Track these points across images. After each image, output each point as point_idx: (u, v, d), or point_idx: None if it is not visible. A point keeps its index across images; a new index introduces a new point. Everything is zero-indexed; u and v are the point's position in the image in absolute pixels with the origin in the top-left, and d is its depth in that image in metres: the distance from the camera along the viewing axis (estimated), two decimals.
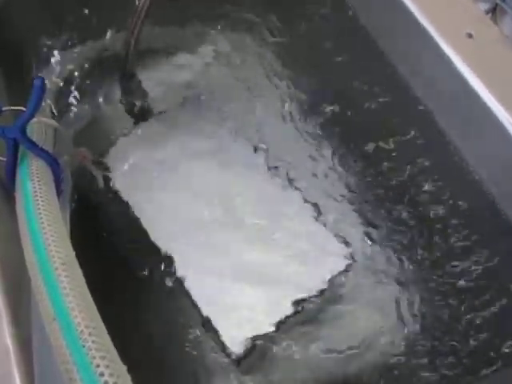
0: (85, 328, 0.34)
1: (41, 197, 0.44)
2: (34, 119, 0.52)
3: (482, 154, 0.57)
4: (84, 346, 0.33)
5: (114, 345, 0.35)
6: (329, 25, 0.69)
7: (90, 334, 0.33)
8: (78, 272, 0.39)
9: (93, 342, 0.33)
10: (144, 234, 0.64)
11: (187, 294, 0.61)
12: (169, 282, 0.62)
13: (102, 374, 0.31)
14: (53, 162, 0.50)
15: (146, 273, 0.63)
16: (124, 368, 0.33)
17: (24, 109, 0.47)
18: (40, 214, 0.42)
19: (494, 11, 0.84)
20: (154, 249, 0.64)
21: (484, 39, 0.52)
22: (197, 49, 0.78)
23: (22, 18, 0.70)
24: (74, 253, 0.41)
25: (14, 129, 0.47)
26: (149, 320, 0.60)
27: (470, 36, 0.52)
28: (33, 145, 0.48)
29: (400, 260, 0.64)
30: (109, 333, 0.36)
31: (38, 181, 0.46)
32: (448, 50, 0.52)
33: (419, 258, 0.62)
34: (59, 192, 0.52)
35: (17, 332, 0.42)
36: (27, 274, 0.40)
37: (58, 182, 0.51)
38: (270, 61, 0.76)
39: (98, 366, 0.32)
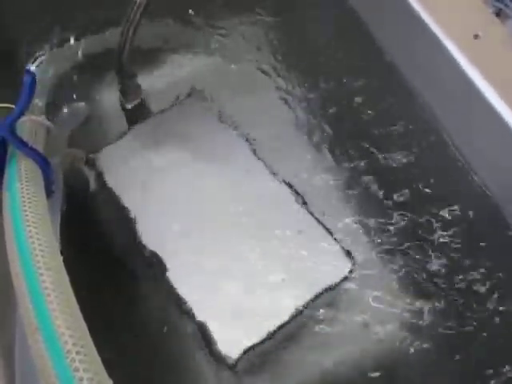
0: (69, 338, 0.32)
1: (28, 198, 0.42)
2: (25, 117, 0.50)
3: (486, 156, 0.56)
4: (67, 358, 0.31)
5: (101, 354, 0.33)
6: (328, 22, 0.68)
7: (74, 345, 0.32)
8: (65, 278, 0.37)
9: (77, 353, 0.31)
10: (137, 236, 0.63)
11: (181, 298, 0.60)
12: (161, 286, 0.61)
13: None
14: (43, 162, 0.48)
15: (138, 277, 0.62)
16: (110, 382, 0.31)
17: (13, 106, 0.46)
18: (27, 216, 0.41)
19: (499, 15, 0.84)
20: (147, 251, 0.62)
21: (491, 40, 0.51)
22: (196, 46, 0.77)
23: (15, 12, 0.69)
24: (62, 258, 0.40)
25: (2, 127, 0.46)
26: (140, 326, 0.59)
27: (476, 37, 0.51)
28: (22, 144, 0.47)
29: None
30: (95, 342, 0.34)
31: (27, 182, 0.44)
32: (454, 51, 0.50)
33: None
34: (49, 193, 0.51)
35: None
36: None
37: (48, 183, 0.49)
38: (271, 57, 0.75)
39: (81, 379, 0.30)
